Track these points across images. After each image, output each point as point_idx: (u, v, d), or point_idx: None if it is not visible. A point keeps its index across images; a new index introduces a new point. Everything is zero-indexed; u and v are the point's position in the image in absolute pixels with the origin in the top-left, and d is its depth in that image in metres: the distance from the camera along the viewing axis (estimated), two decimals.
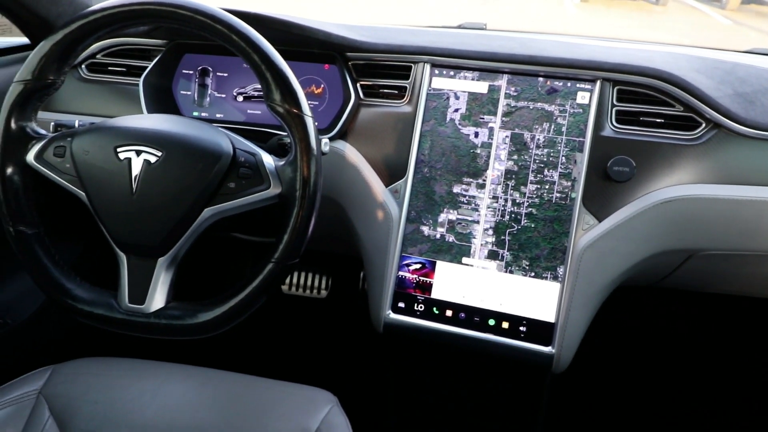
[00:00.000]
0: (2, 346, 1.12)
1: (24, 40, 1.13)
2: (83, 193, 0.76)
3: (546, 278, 0.94)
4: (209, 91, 1.09)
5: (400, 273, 0.98)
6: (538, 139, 0.95)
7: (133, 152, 0.75)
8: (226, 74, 1.09)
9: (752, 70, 0.97)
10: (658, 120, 0.92)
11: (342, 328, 1.61)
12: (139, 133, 0.76)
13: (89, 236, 1.28)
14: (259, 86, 1.07)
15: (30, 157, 0.78)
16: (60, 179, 0.77)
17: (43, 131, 0.80)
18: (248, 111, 1.08)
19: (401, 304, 0.98)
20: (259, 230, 1.08)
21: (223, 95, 1.09)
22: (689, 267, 1.00)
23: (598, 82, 0.93)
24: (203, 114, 1.09)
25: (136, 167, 0.74)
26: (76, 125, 0.84)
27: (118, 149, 0.75)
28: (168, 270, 0.77)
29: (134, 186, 0.74)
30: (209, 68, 1.09)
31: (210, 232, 0.80)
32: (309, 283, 1.58)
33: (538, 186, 0.95)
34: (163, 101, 1.07)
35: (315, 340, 1.62)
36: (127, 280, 0.77)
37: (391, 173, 1.00)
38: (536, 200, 0.95)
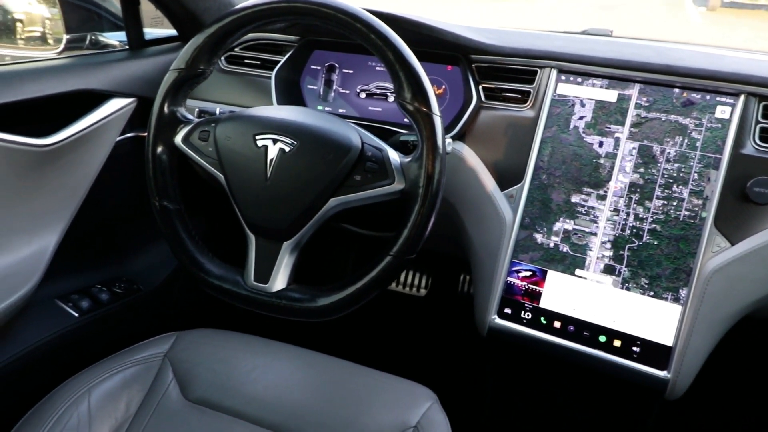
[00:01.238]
0: (134, 310, 1.23)
1: (172, 31, 1.23)
2: (222, 176, 0.82)
3: (666, 299, 0.89)
4: (334, 87, 1.13)
5: (509, 279, 0.97)
6: (669, 152, 0.91)
7: (270, 140, 0.79)
8: (351, 71, 1.12)
9: None
10: None
11: (440, 328, 1.61)
12: (277, 123, 0.80)
13: (212, 215, 1.37)
14: (382, 84, 1.10)
15: (178, 139, 0.84)
16: (203, 161, 0.83)
17: (190, 116, 0.87)
18: (369, 108, 1.11)
19: (508, 310, 0.97)
20: (372, 226, 1.10)
21: (347, 91, 1.13)
22: None
23: (742, 97, 0.87)
24: (327, 108, 1.13)
25: (272, 154, 0.79)
26: (217, 113, 0.90)
27: (257, 137, 0.80)
28: (291, 254, 0.81)
29: (268, 172, 0.79)
30: (336, 65, 1.13)
31: (331, 222, 0.83)
32: (409, 280, 1.60)
33: (665, 202, 0.90)
34: (291, 94, 1.13)
35: (413, 336, 1.64)
36: (254, 259, 0.82)
37: (508, 178, 0.99)
38: (662, 216, 0.90)
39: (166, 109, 0.84)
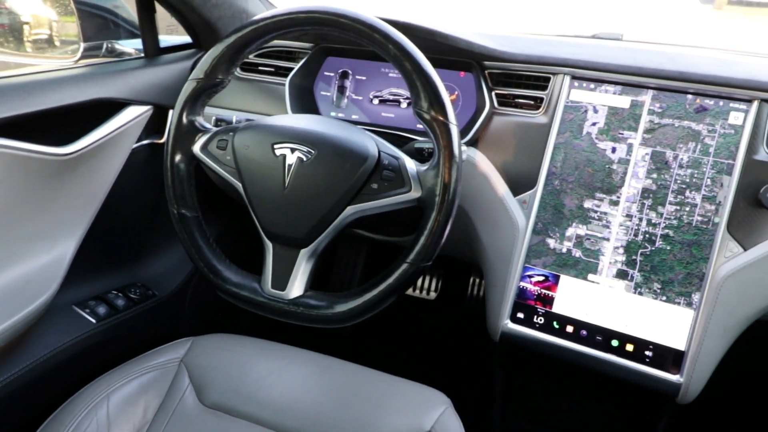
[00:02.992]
0: (150, 316, 1.24)
1: (187, 39, 1.24)
2: (240, 184, 0.83)
3: (679, 304, 0.90)
4: (347, 93, 1.14)
5: (522, 283, 0.98)
6: (682, 158, 0.91)
7: (288, 149, 0.80)
8: (364, 78, 1.13)
9: None
10: None
11: (451, 332, 1.62)
12: (295, 132, 0.81)
13: (227, 221, 1.38)
14: (395, 91, 1.11)
15: (196, 147, 0.86)
16: (221, 170, 0.84)
17: (208, 125, 0.88)
18: (382, 114, 1.12)
19: (520, 315, 0.98)
20: (383, 230, 1.11)
21: (360, 98, 1.14)
22: None
23: (755, 103, 0.88)
24: (340, 114, 1.15)
25: (290, 163, 0.80)
26: (234, 121, 0.92)
27: (275, 146, 0.81)
28: (308, 261, 0.82)
29: (286, 180, 0.80)
30: (349, 71, 1.14)
31: (348, 229, 0.84)
32: (420, 283, 1.61)
33: (678, 207, 0.91)
34: (305, 100, 1.14)
35: (424, 340, 1.65)
36: (272, 267, 0.83)
37: (521, 183, 0.99)
38: (674, 222, 0.91)
39: (184, 119, 0.85)
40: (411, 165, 0.80)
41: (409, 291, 1.63)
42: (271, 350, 0.96)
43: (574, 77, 0.98)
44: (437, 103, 0.75)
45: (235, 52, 0.82)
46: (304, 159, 0.80)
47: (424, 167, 0.79)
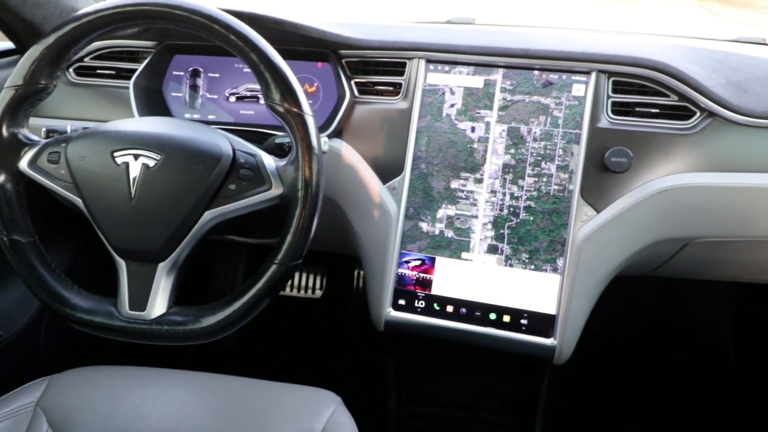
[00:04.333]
0: None
1: (9, 44, 1.10)
2: (79, 200, 0.75)
3: (546, 270, 0.94)
4: (201, 93, 1.08)
5: (400, 270, 0.98)
6: (535, 132, 0.95)
7: (131, 156, 0.73)
8: (217, 75, 1.07)
9: (743, 58, 0.98)
10: (654, 110, 0.93)
11: (340, 328, 1.61)
12: (137, 137, 0.74)
13: (81, 242, 1.26)
14: (252, 86, 1.06)
15: (23, 164, 0.76)
16: (55, 186, 0.75)
17: (35, 137, 0.78)
18: (241, 111, 1.07)
19: (402, 302, 0.98)
20: (257, 232, 1.07)
21: (215, 96, 1.08)
22: (685, 255, 1.01)
23: (594, 74, 0.94)
24: (195, 116, 1.08)
25: (134, 171, 0.73)
26: (69, 130, 0.82)
27: (115, 153, 0.74)
28: (169, 275, 0.76)
29: (133, 191, 0.73)
30: (200, 69, 1.08)
31: (210, 235, 0.79)
32: (303, 283, 1.57)
33: (536, 179, 0.95)
34: (154, 104, 1.06)
35: (313, 340, 1.62)
36: (127, 286, 0.76)
37: (388, 170, 0.99)
38: (534, 193, 0.95)
39: (5, 132, 0.75)
40: (269, 161, 0.76)
41: (294, 292, 1.59)
42: (144, 377, 0.89)
43: (428, 61, 0.99)
44: (289, 94, 0.72)
45: (57, 54, 0.74)
46: (150, 165, 0.73)
47: (283, 162, 0.76)
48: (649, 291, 1.55)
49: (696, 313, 1.57)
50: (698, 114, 0.92)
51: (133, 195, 0.73)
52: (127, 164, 0.73)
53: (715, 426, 1.45)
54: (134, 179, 0.73)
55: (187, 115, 1.08)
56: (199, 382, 0.89)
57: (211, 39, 0.73)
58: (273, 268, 0.74)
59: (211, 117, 1.07)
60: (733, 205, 0.92)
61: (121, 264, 0.76)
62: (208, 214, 0.75)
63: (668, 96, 0.93)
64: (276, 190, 0.74)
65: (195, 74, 1.08)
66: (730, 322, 1.54)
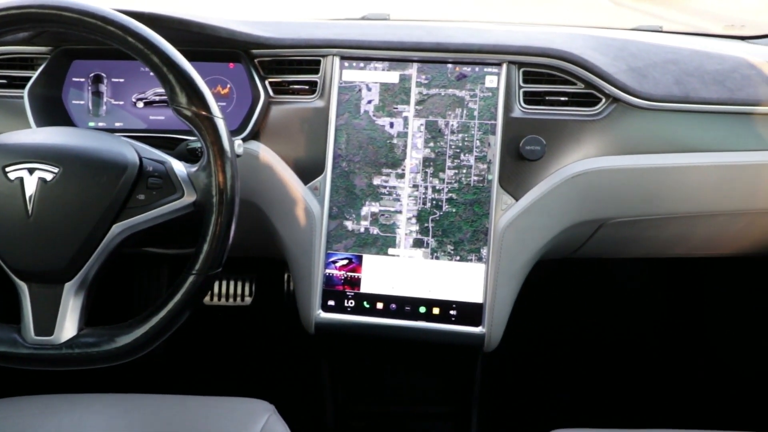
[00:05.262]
0: None
1: None
2: None
3: (471, 260, 0.95)
4: (105, 99, 1.02)
5: (327, 271, 0.97)
6: (452, 125, 0.97)
7: (26, 170, 0.68)
8: (122, 80, 1.02)
9: (641, 45, 1.03)
10: (563, 98, 0.96)
11: (272, 334, 1.57)
12: (31, 149, 0.69)
13: None
14: (160, 90, 1.02)
15: None
16: None
17: None
18: (150, 117, 1.02)
19: (331, 302, 0.97)
20: (177, 242, 1.02)
21: (121, 102, 1.02)
22: (600, 236, 1.06)
23: (504, 66, 0.96)
24: (100, 124, 1.02)
25: (30, 187, 0.68)
26: None
27: (7, 169, 0.68)
28: (78, 295, 0.71)
29: (30, 208, 0.68)
30: (103, 74, 1.02)
31: (123, 249, 0.74)
32: (231, 291, 1.53)
33: (456, 171, 0.96)
34: (54, 113, 0.99)
35: (245, 349, 1.58)
36: (31, 310, 0.70)
37: (310, 170, 0.98)
38: (455, 185, 0.96)
39: None
40: (180, 168, 0.73)
41: (222, 301, 1.54)
42: (59, 405, 0.83)
43: (343, 57, 0.98)
44: (196, 96, 0.70)
45: None
46: (48, 179, 0.68)
47: (194, 168, 0.73)
48: (574, 272, 1.61)
49: (620, 290, 1.65)
50: (604, 100, 0.96)
51: (30, 212, 0.68)
52: (21, 179, 0.68)
53: (650, 398, 1.53)
54: (30, 196, 0.68)
55: (92, 124, 1.02)
56: (120, 404, 0.84)
57: (108, 42, 0.69)
58: (191, 278, 0.71)
59: (117, 124, 1.02)
60: (640, 186, 0.97)
61: (23, 287, 0.70)
62: (116, 227, 0.70)
63: (575, 84, 0.96)
64: (189, 198, 0.71)
65: (97, 80, 1.02)
66: (653, 296, 1.63)
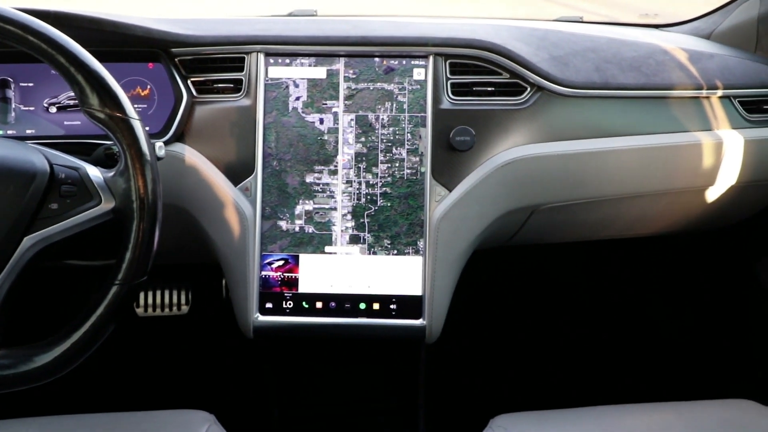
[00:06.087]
0: None
1: None
2: None
3: (408, 254, 0.95)
4: (13, 105, 0.96)
5: (263, 273, 0.94)
6: (383, 118, 0.96)
7: None
8: (31, 84, 0.96)
9: (562, 35, 1.06)
10: (490, 88, 0.98)
11: (211, 343, 1.52)
12: None
13: None
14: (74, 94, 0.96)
15: None
16: None
17: None
18: (65, 123, 0.97)
19: (269, 305, 0.95)
20: (102, 253, 0.97)
21: (32, 108, 0.96)
22: (533, 222, 1.08)
23: (431, 58, 0.96)
24: (9, 132, 0.95)
25: None
26: None
27: None
28: None
29: None
30: (9, 79, 0.95)
31: (38, 262, 0.70)
32: (166, 300, 1.47)
33: (389, 165, 0.96)
34: None
35: (183, 360, 1.52)
36: None
37: (239, 171, 0.95)
38: (389, 179, 0.96)
39: None
40: (96, 173, 0.69)
41: (157, 311, 1.48)
42: None
43: (268, 54, 0.96)
44: (109, 97, 0.66)
45: None
46: None
47: (111, 173, 0.69)
48: (511, 262, 1.64)
49: (557, 275, 1.69)
50: (528, 89, 0.98)
51: None
52: None
53: (592, 378, 1.57)
54: None
55: (0, 132, 0.95)
56: (46, 427, 0.79)
57: (9, 43, 0.64)
58: (114, 289, 0.67)
59: (29, 132, 0.95)
60: (566, 171, 0.99)
61: None
62: (27, 241, 0.66)
63: (501, 74, 0.98)
64: (107, 204, 0.68)
65: (3, 85, 0.95)
66: (589, 280, 1.68)
